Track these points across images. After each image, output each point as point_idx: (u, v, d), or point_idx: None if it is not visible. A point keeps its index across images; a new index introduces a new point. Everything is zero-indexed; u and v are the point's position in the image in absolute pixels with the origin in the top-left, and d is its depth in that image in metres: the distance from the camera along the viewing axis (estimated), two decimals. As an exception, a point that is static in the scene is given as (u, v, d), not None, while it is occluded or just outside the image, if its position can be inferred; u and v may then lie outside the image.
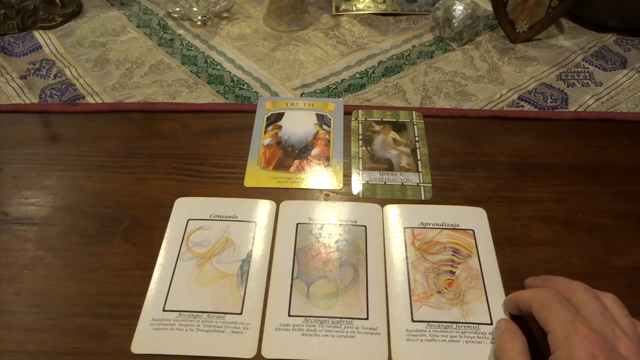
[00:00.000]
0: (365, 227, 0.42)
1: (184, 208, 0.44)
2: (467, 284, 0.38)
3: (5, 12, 0.63)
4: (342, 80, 0.57)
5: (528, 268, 0.39)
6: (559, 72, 0.58)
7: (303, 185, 0.46)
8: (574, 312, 0.30)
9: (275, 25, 0.65)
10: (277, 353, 0.35)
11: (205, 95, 0.55)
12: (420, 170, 0.47)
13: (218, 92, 0.56)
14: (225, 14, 0.68)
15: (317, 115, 0.53)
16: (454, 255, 0.40)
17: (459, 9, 0.60)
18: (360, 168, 0.47)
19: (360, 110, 0.53)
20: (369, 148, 0.49)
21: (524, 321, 0.35)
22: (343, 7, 0.68)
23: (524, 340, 0.32)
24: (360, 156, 0.49)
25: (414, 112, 0.53)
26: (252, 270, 0.39)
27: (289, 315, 0.36)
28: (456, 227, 0.42)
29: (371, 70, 0.59)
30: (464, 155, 0.48)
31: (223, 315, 0.36)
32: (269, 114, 0.53)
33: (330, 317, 0.36)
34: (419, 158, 0.48)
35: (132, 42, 0.63)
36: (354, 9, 0.67)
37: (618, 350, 0.28)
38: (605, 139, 0.50)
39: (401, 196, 0.45)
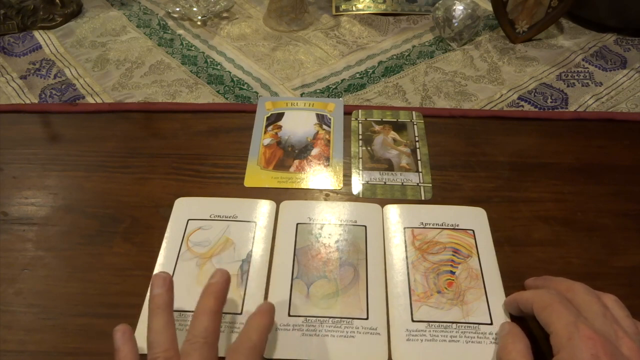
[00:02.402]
0: (365, 227, 0.42)
1: (184, 208, 0.44)
2: (467, 284, 0.38)
3: (5, 12, 0.63)
4: (342, 80, 0.57)
5: (528, 268, 0.39)
6: (559, 72, 0.58)
7: (303, 185, 0.46)
8: (576, 313, 0.30)
9: (275, 25, 0.65)
10: (277, 353, 0.35)
11: (205, 95, 0.55)
12: (420, 170, 0.47)
13: (218, 92, 0.56)
14: (225, 14, 0.68)
15: (317, 115, 0.53)
16: (454, 255, 0.40)
17: (459, 9, 0.60)
18: (360, 168, 0.47)
19: (360, 110, 0.53)
20: (369, 148, 0.49)
21: (525, 322, 0.35)
22: (343, 7, 0.68)
23: (527, 342, 0.32)
24: (360, 156, 0.49)
25: (414, 112, 0.53)
26: (252, 270, 0.39)
27: (289, 315, 0.36)
28: (456, 227, 0.42)
29: (371, 70, 0.59)
30: (464, 155, 0.48)
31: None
32: (269, 114, 0.53)
33: (330, 317, 0.36)
34: (419, 158, 0.48)
35: (132, 42, 0.63)
36: (354, 9, 0.67)
37: (621, 350, 0.28)
38: (605, 139, 0.50)
39: (401, 196, 0.45)
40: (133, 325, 0.36)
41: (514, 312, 0.36)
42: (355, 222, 0.42)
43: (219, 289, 0.33)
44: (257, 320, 0.32)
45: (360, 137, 0.50)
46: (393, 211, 0.43)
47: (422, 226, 0.42)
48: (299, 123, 0.52)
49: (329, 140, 0.50)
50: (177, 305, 0.37)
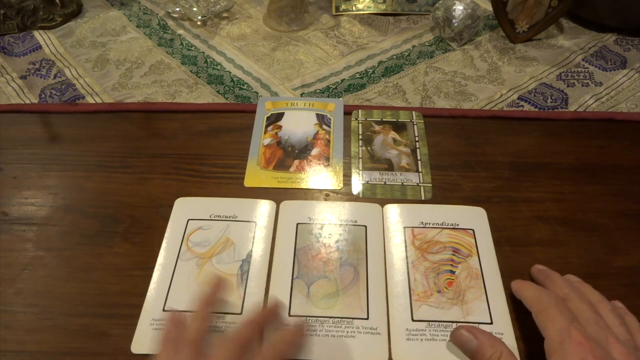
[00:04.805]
0: (365, 227, 0.42)
1: (184, 208, 0.44)
2: (467, 283, 0.38)
3: (5, 12, 0.63)
4: (342, 80, 0.57)
5: (528, 268, 0.39)
6: (559, 72, 0.58)
7: (303, 185, 0.46)
8: (570, 318, 0.31)
9: (275, 25, 0.65)
10: (277, 353, 0.35)
11: (205, 95, 0.55)
12: (420, 170, 0.47)
13: (218, 92, 0.56)
14: (225, 14, 0.68)
15: (317, 115, 0.53)
16: (454, 255, 0.40)
17: (459, 9, 0.60)
18: (360, 168, 0.47)
19: (360, 110, 0.53)
20: (369, 148, 0.49)
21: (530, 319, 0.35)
22: (343, 7, 0.68)
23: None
24: (360, 156, 0.49)
25: (414, 112, 0.53)
26: (252, 270, 0.39)
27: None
28: (456, 227, 0.42)
29: (371, 70, 0.59)
30: (464, 155, 0.48)
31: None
32: (269, 114, 0.53)
33: (330, 317, 0.36)
34: (419, 158, 0.48)
35: (132, 42, 0.63)
36: (354, 9, 0.67)
37: (612, 355, 0.29)
38: (605, 139, 0.50)
39: (401, 196, 0.45)
40: (133, 325, 0.36)
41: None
42: (356, 222, 0.42)
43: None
44: None
45: (360, 137, 0.50)
46: (393, 211, 0.43)
47: (422, 226, 0.42)
48: (299, 123, 0.52)
49: (329, 140, 0.50)
50: (177, 305, 0.37)
